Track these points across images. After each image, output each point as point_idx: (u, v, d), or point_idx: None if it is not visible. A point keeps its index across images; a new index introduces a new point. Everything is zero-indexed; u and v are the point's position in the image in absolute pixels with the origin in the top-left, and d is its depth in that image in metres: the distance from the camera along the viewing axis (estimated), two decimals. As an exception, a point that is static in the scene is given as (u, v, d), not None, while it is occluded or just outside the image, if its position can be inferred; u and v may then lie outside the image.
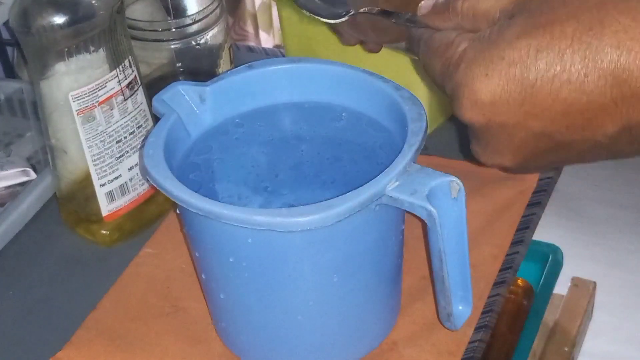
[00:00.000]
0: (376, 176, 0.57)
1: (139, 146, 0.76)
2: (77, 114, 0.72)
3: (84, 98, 0.71)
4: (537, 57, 0.45)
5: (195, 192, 0.57)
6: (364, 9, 0.59)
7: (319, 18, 0.61)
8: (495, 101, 0.46)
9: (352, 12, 0.59)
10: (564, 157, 0.49)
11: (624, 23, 0.43)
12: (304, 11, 0.62)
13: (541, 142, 0.48)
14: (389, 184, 0.57)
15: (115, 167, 0.75)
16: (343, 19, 0.61)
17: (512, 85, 0.46)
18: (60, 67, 0.70)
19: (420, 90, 0.79)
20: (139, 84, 0.75)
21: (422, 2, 0.55)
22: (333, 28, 0.66)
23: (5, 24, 0.83)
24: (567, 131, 0.46)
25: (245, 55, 1.01)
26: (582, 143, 0.47)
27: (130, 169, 0.76)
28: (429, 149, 0.80)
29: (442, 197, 0.58)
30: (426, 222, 0.58)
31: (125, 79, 0.73)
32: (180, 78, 0.85)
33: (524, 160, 0.49)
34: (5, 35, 0.97)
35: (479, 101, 0.47)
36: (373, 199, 0.56)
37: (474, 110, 0.47)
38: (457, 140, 0.85)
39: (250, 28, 1.96)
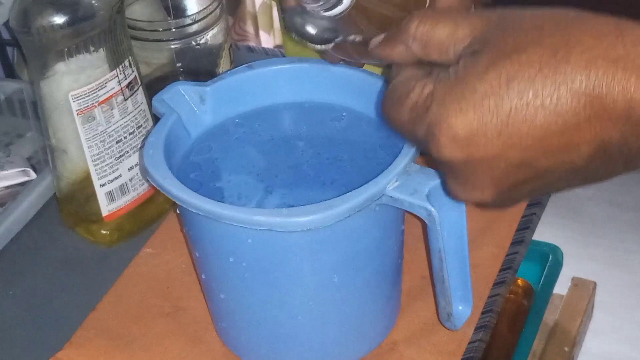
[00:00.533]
0: (376, 176, 0.57)
1: (139, 146, 0.76)
2: (77, 114, 0.72)
3: (84, 98, 0.71)
4: (509, 86, 0.45)
5: (195, 192, 0.57)
6: (352, 37, 0.59)
7: (307, 43, 0.62)
8: (472, 135, 0.46)
9: (339, 39, 0.60)
10: (542, 186, 0.49)
11: (588, 43, 0.44)
12: (292, 34, 0.62)
13: (520, 172, 0.47)
14: (389, 184, 0.57)
15: (115, 167, 0.75)
16: (330, 46, 0.61)
17: (488, 117, 0.46)
18: (60, 67, 0.70)
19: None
20: (139, 84, 0.75)
21: (373, 39, 0.55)
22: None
23: (5, 24, 0.83)
24: (545, 156, 0.46)
25: (245, 55, 1.01)
26: (559, 168, 0.47)
27: (130, 169, 0.76)
28: (429, 149, 0.80)
29: (442, 197, 0.58)
30: (426, 222, 0.58)
31: (125, 79, 0.73)
32: (180, 78, 0.85)
33: (503, 193, 0.49)
34: (5, 35, 0.97)
35: (457, 136, 0.46)
36: (373, 199, 0.56)
37: (452, 146, 0.47)
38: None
39: (250, 28, 1.96)
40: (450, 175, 0.50)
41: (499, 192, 0.48)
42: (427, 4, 0.61)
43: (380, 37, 0.54)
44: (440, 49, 0.49)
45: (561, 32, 0.45)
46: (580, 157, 0.46)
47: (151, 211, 0.79)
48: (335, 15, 0.59)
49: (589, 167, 0.46)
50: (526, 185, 0.48)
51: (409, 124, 0.50)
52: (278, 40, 1.96)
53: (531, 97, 0.45)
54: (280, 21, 0.88)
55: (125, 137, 0.75)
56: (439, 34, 0.49)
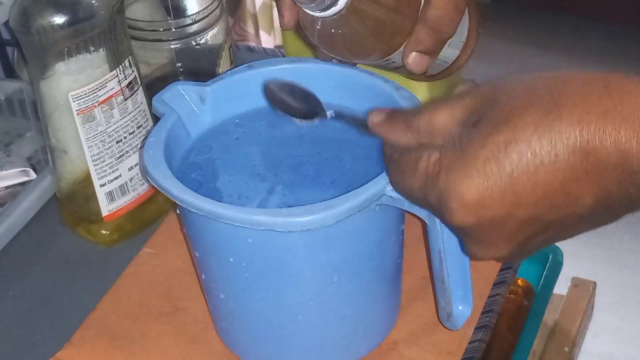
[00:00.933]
0: (376, 176, 0.57)
1: (139, 146, 0.76)
2: (77, 114, 0.72)
3: (84, 98, 0.71)
4: (508, 150, 0.47)
5: (195, 192, 0.57)
6: (333, 112, 0.61)
7: (293, 119, 0.63)
8: (480, 198, 0.49)
9: (325, 116, 0.62)
10: (553, 235, 0.51)
11: (578, 100, 0.47)
12: (279, 112, 0.63)
13: (531, 227, 0.50)
14: (389, 184, 0.57)
15: (115, 167, 0.75)
16: (314, 122, 0.63)
17: (492, 180, 0.48)
18: (60, 67, 0.70)
19: (420, 90, 0.79)
20: (139, 84, 0.75)
21: (373, 113, 0.57)
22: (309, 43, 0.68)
23: (5, 24, 0.83)
24: (552, 210, 0.49)
25: (245, 55, 1.01)
26: (566, 219, 0.49)
27: (130, 169, 0.76)
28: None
29: (442, 197, 0.58)
30: (426, 222, 0.58)
31: (125, 79, 0.73)
32: (180, 78, 0.85)
33: (518, 247, 0.51)
34: (5, 35, 0.97)
35: (466, 202, 0.49)
36: (373, 199, 0.56)
37: (462, 211, 0.49)
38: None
39: (250, 28, 1.96)
40: (465, 238, 0.52)
41: (513, 247, 0.51)
42: (421, 7, 0.62)
43: (381, 115, 0.57)
44: (444, 133, 0.52)
45: (551, 93, 0.48)
46: (584, 208, 0.48)
47: (151, 211, 0.79)
48: (330, 16, 0.60)
49: (593, 215, 0.49)
50: (538, 237, 0.51)
51: (421, 191, 0.52)
52: (278, 40, 1.96)
53: (530, 157, 0.47)
54: (280, 21, 0.89)
55: (125, 137, 0.75)
56: (439, 122, 0.52)
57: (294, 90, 0.64)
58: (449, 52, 0.66)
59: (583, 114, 0.46)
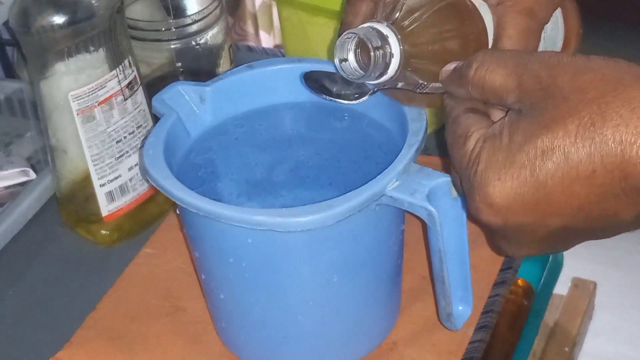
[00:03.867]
0: (376, 176, 0.57)
1: (139, 146, 0.76)
2: (77, 114, 0.72)
3: (83, 98, 0.71)
4: (544, 158, 0.46)
5: (195, 192, 0.57)
6: (386, 85, 0.59)
7: (340, 101, 0.61)
8: (509, 204, 0.48)
9: (374, 90, 0.60)
10: (587, 239, 0.50)
11: (625, 116, 0.44)
12: (324, 97, 0.61)
13: (564, 234, 0.49)
14: (389, 184, 0.57)
15: (115, 167, 0.75)
16: (364, 99, 0.61)
17: (525, 188, 0.47)
18: (60, 67, 0.70)
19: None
20: (139, 84, 0.75)
21: (445, 66, 0.55)
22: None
23: (5, 24, 0.83)
24: (587, 221, 0.48)
25: (245, 55, 1.01)
26: (602, 229, 0.48)
27: (130, 169, 0.76)
28: (428, 149, 0.80)
29: (442, 197, 0.58)
30: (426, 222, 0.58)
31: (125, 79, 0.73)
32: (180, 78, 0.85)
33: (550, 249, 0.51)
34: (5, 35, 0.97)
35: (494, 204, 0.48)
36: (373, 199, 0.56)
37: (489, 212, 0.49)
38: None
39: (250, 28, 1.96)
40: (493, 235, 0.52)
41: (545, 248, 0.51)
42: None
43: (452, 66, 0.54)
44: (495, 95, 0.51)
45: (599, 102, 0.45)
46: (622, 221, 0.47)
47: (151, 211, 0.79)
48: (384, 82, 0.58)
49: (633, 225, 0.48)
50: (574, 240, 0.50)
51: (458, 166, 0.52)
52: (278, 40, 1.96)
53: (566, 169, 0.46)
54: (280, 21, 0.89)
55: (125, 137, 0.75)
56: (492, 82, 0.51)
57: (333, 76, 0.62)
58: None
59: (627, 133, 0.44)
